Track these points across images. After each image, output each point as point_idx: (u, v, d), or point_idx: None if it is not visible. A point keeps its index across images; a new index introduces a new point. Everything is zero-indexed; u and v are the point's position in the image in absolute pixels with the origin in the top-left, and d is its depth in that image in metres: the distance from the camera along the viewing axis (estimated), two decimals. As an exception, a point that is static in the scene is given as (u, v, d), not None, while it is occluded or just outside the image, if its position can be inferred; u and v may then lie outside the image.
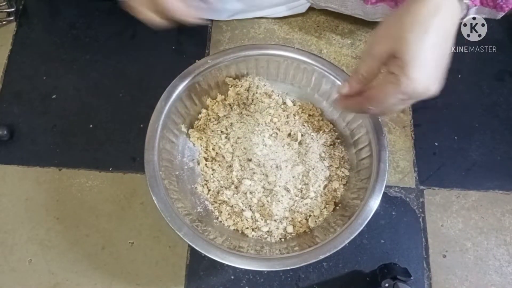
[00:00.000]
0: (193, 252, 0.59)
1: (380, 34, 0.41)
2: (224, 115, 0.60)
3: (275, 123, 0.59)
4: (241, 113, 0.60)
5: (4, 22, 0.72)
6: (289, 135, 0.59)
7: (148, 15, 0.48)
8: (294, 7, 0.69)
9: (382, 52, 0.40)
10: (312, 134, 0.59)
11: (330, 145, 0.59)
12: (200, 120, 0.60)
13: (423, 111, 0.67)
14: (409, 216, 0.61)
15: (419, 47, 0.38)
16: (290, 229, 0.54)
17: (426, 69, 0.39)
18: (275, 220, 0.55)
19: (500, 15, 0.61)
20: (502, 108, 0.68)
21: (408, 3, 0.41)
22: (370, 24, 0.69)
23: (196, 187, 0.57)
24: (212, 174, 0.58)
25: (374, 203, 0.50)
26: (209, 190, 0.57)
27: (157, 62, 0.69)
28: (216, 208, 0.56)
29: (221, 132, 0.59)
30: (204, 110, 0.61)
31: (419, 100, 0.40)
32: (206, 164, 0.58)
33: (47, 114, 0.66)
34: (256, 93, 0.60)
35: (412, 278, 0.53)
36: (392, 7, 0.62)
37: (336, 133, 0.60)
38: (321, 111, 0.61)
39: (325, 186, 0.57)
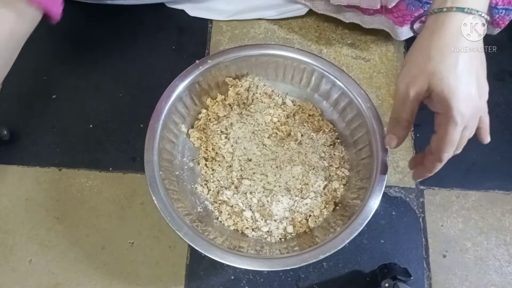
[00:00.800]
0: (193, 252, 0.59)
1: (412, 74, 0.40)
2: (224, 115, 0.60)
3: (275, 123, 0.59)
4: (241, 113, 0.60)
5: (4, 22, 0.71)
6: (289, 135, 0.59)
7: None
8: (293, 10, 0.69)
9: (419, 93, 0.40)
10: (312, 134, 0.59)
11: (330, 145, 0.59)
12: (200, 120, 0.60)
13: (423, 111, 0.66)
14: (409, 216, 0.61)
15: (455, 77, 0.38)
16: (290, 229, 0.55)
17: (470, 93, 0.38)
18: (275, 220, 0.55)
19: (496, 31, 0.62)
20: (502, 108, 0.68)
21: (428, 33, 0.40)
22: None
23: (196, 187, 0.57)
24: (212, 174, 0.58)
25: (374, 203, 0.50)
26: (209, 190, 0.57)
27: (157, 62, 0.69)
28: (216, 208, 0.56)
29: (221, 132, 0.59)
30: (204, 110, 0.61)
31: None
32: (206, 164, 0.58)
33: (47, 114, 0.66)
34: (256, 93, 0.60)
35: (412, 278, 0.53)
36: (389, 18, 0.62)
37: (336, 133, 0.60)
38: (321, 111, 0.61)
39: (325, 186, 0.57)
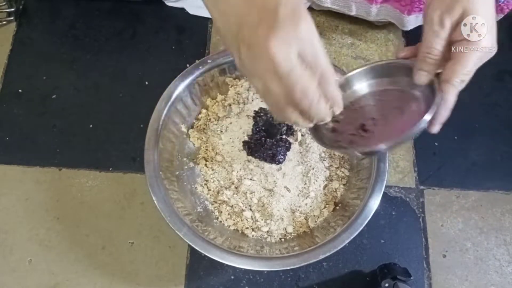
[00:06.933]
0: (193, 252, 0.59)
1: (447, 3, 0.39)
2: (224, 115, 0.60)
3: (275, 123, 0.59)
4: (241, 113, 0.59)
5: (4, 22, 0.72)
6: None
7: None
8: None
9: (455, 19, 0.39)
10: (312, 134, 0.59)
11: (330, 145, 0.59)
12: (200, 120, 0.60)
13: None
14: (409, 216, 0.61)
15: (488, 5, 0.39)
16: (290, 229, 0.54)
17: (494, 27, 0.39)
18: (275, 220, 0.55)
19: (498, 17, 0.61)
20: (502, 108, 0.68)
21: None
22: (369, 24, 0.69)
23: (196, 187, 0.57)
24: (212, 174, 0.58)
25: (374, 203, 0.50)
26: (209, 190, 0.57)
27: (157, 62, 0.69)
28: (216, 208, 0.56)
29: (221, 132, 0.59)
30: (204, 110, 0.61)
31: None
32: (206, 164, 0.58)
33: (47, 114, 0.66)
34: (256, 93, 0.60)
35: (412, 278, 0.53)
36: (396, 8, 0.62)
37: (336, 133, 0.60)
38: (321, 111, 0.61)
39: (325, 186, 0.57)
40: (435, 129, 0.42)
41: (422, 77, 0.42)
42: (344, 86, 0.44)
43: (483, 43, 0.39)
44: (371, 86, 0.45)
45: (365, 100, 0.45)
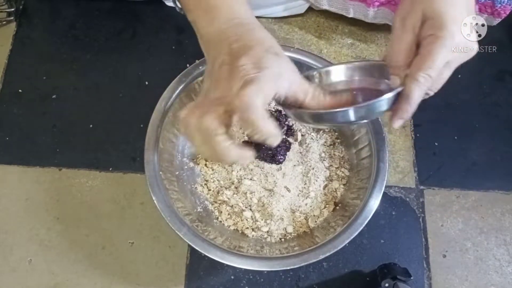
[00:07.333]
0: (193, 252, 0.59)
1: (406, 8, 0.40)
2: (224, 115, 0.59)
3: (275, 123, 0.59)
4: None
5: (4, 22, 0.72)
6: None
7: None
8: (293, 7, 0.69)
9: (415, 20, 0.39)
10: (312, 134, 0.59)
11: (330, 145, 0.59)
12: (200, 120, 0.60)
13: (423, 111, 0.66)
14: (409, 216, 0.61)
15: (454, 4, 0.38)
16: (290, 229, 0.55)
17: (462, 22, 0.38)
18: (275, 220, 0.55)
19: (496, 21, 0.61)
20: (502, 108, 0.68)
21: None
22: (369, 24, 0.69)
23: (196, 187, 0.57)
24: (212, 174, 0.58)
25: (374, 203, 0.50)
26: (209, 190, 0.57)
27: (157, 62, 0.69)
28: (216, 208, 0.56)
29: (221, 132, 0.59)
30: (204, 110, 0.60)
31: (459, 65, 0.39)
32: (206, 164, 0.58)
33: (47, 114, 0.66)
34: (256, 93, 0.60)
35: (412, 278, 0.53)
36: (393, 11, 0.62)
37: (336, 133, 0.60)
38: (321, 111, 0.61)
39: (325, 186, 0.57)
40: (396, 123, 0.41)
41: (395, 80, 0.42)
42: (323, 77, 0.45)
43: (456, 39, 0.38)
44: (350, 83, 0.45)
45: (339, 94, 0.45)
